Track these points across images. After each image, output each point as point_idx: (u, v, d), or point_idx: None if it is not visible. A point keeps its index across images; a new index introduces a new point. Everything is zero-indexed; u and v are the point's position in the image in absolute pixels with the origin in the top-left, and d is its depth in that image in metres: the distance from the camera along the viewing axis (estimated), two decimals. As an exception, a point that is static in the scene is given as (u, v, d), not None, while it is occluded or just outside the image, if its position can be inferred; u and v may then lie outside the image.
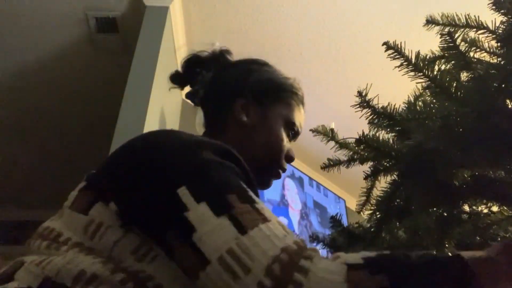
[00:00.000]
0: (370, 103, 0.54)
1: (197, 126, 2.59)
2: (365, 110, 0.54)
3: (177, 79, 0.86)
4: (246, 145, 0.76)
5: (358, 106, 0.54)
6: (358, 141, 0.53)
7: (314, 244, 0.55)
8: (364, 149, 0.55)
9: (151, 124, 2.02)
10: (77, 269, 0.53)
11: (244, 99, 0.79)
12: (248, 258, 0.47)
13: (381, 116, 0.53)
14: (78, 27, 2.66)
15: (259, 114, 0.79)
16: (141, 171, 0.58)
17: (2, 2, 2.51)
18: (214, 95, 0.83)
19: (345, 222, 3.43)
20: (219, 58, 0.87)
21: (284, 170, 0.81)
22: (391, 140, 0.55)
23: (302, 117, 0.84)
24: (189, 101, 0.88)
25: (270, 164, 0.78)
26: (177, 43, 2.68)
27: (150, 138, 0.63)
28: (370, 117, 0.54)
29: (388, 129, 0.54)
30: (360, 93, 0.54)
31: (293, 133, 0.82)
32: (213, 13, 2.64)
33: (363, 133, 0.54)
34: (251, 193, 0.55)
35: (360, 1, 2.59)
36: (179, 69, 0.87)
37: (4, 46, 2.77)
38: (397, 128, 0.54)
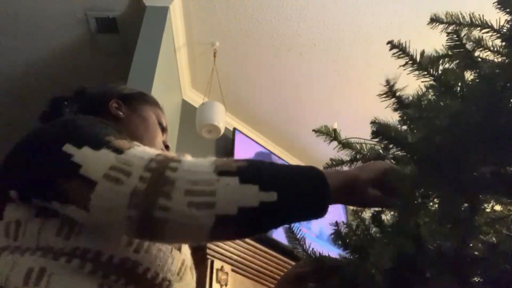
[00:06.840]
0: (397, 93, 0.54)
1: (197, 126, 2.59)
2: (392, 100, 0.55)
3: (46, 117, 0.92)
4: (130, 134, 0.82)
5: (384, 95, 0.55)
6: (375, 133, 0.54)
7: None
8: (381, 140, 0.55)
9: (151, 124, 2.01)
10: (25, 268, 0.57)
11: (115, 102, 0.90)
12: (127, 166, 0.55)
13: (407, 107, 0.53)
14: (78, 27, 2.66)
15: (129, 110, 0.90)
16: (32, 147, 0.64)
17: (2, 3, 2.50)
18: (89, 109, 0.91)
19: (344, 219, 3.41)
20: (82, 93, 0.96)
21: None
22: (405, 130, 0.55)
23: (161, 116, 0.95)
24: None
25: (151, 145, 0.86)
26: (177, 43, 2.68)
27: (36, 128, 0.69)
28: (395, 107, 0.54)
29: (408, 122, 0.54)
30: (388, 82, 0.55)
31: (162, 127, 0.92)
32: (213, 13, 2.64)
33: (375, 121, 0.54)
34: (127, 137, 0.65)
35: (361, 1, 2.59)
36: (47, 108, 0.95)
37: (4, 46, 2.77)
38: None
